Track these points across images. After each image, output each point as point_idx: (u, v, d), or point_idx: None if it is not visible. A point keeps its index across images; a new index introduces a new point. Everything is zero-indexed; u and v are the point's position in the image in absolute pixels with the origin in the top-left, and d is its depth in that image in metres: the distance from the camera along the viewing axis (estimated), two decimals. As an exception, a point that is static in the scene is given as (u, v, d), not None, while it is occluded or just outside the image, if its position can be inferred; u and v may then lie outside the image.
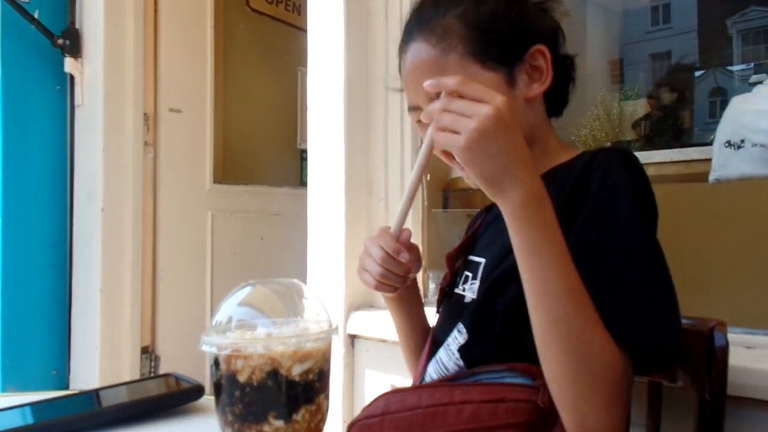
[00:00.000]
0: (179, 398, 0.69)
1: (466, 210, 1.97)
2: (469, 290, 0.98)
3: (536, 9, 0.97)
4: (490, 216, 1.05)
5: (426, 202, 1.72)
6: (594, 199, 0.83)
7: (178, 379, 0.75)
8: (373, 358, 1.66)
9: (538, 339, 0.76)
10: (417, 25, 0.96)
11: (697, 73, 3.70)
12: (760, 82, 1.31)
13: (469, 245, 1.06)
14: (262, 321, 0.59)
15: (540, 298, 0.75)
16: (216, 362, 0.58)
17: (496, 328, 0.85)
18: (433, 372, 0.94)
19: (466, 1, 0.93)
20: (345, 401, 1.64)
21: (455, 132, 0.74)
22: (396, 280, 0.95)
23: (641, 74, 3.97)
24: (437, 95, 0.84)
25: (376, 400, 0.90)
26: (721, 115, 1.29)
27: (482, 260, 0.97)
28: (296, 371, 0.56)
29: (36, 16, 2.47)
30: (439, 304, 1.11)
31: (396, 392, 0.90)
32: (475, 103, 0.74)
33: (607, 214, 0.81)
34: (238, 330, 0.58)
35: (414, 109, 0.97)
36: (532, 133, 0.94)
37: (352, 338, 1.68)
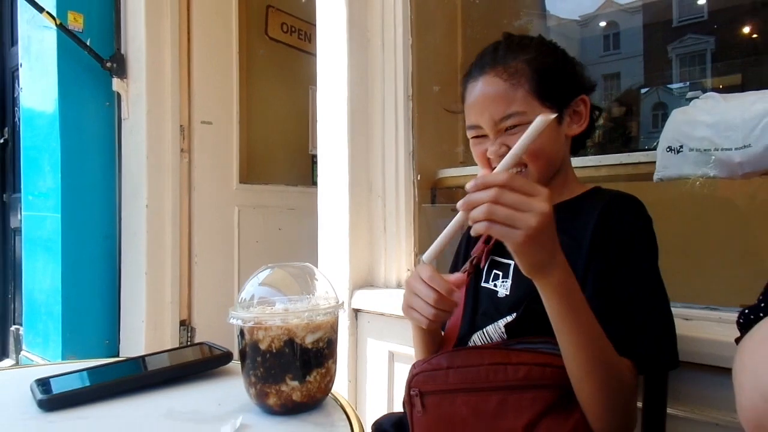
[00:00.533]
0: (211, 363, 0.69)
1: (451, 204, 1.97)
2: (502, 287, 0.98)
3: (581, 66, 1.03)
4: None
5: (417, 199, 1.72)
6: (617, 244, 0.87)
7: (210, 347, 0.75)
8: (373, 329, 1.66)
9: (574, 378, 0.78)
10: (491, 63, 0.97)
11: (643, 91, 3.70)
12: (696, 98, 1.31)
13: (495, 247, 1.03)
14: (280, 298, 0.58)
15: (576, 351, 0.77)
16: (241, 333, 0.57)
17: (538, 319, 0.83)
18: (477, 340, 0.95)
19: (534, 51, 0.97)
20: (350, 365, 1.64)
21: (512, 226, 0.69)
22: (445, 316, 0.88)
23: (596, 92, 3.97)
24: (497, 124, 0.93)
25: (436, 356, 0.89)
26: (662, 126, 1.29)
27: (511, 262, 0.98)
28: (309, 340, 0.56)
29: (88, 43, 2.46)
30: (465, 295, 1.05)
31: (458, 350, 0.91)
32: (527, 198, 0.70)
33: (629, 257, 0.87)
34: (259, 306, 0.58)
35: (474, 127, 0.97)
36: (561, 165, 1.00)
37: (356, 312, 1.68)
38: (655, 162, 1.27)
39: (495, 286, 1.00)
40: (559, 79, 0.97)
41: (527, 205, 0.69)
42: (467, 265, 1.07)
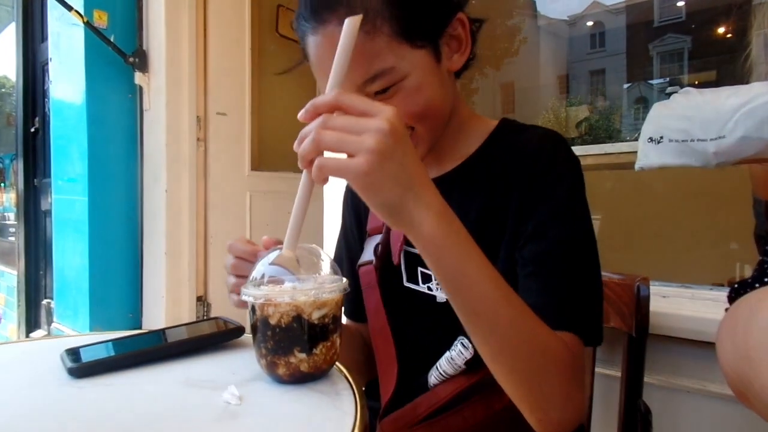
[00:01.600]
0: (225, 336, 0.69)
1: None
2: (440, 290, 0.74)
3: None
4: None
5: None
6: (548, 200, 0.67)
7: (224, 321, 0.75)
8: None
9: (487, 355, 0.59)
10: (327, 7, 0.64)
11: (625, 86, 3.67)
12: (675, 92, 1.30)
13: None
14: (289, 277, 0.58)
15: (480, 317, 0.56)
16: (253, 309, 0.57)
17: None
18: (436, 381, 0.74)
19: None
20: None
21: (347, 154, 0.51)
22: None
23: (583, 86, 3.95)
24: (362, 89, 0.65)
25: None
26: (644, 119, 1.28)
27: None
28: (315, 316, 0.56)
29: (112, 39, 2.44)
30: (371, 295, 0.80)
31: (432, 423, 0.71)
32: (361, 117, 0.51)
33: (559, 211, 0.67)
34: (269, 284, 0.58)
35: None
36: (453, 105, 0.75)
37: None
38: (636, 152, 1.26)
39: (429, 289, 0.76)
40: (424, 3, 0.67)
41: (361, 125, 0.50)
42: (368, 255, 0.81)
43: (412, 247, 0.73)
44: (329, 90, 0.55)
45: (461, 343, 0.70)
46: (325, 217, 1.75)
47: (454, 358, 0.71)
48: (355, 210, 0.92)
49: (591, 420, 0.97)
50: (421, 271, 0.77)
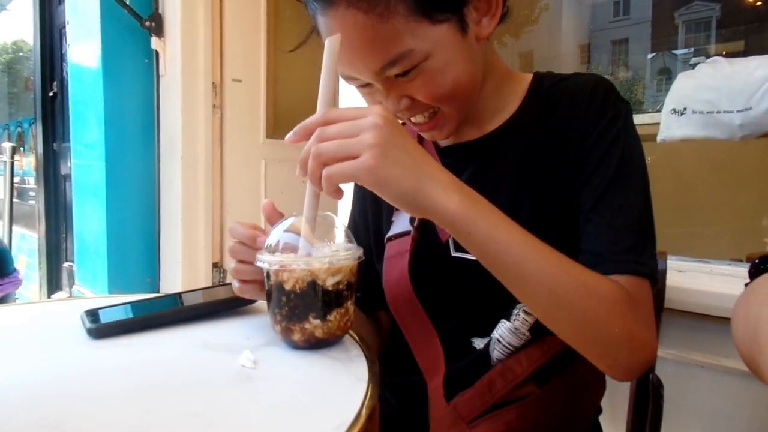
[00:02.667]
0: (240, 301, 0.69)
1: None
2: None
3: None
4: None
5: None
6: (599, 138, 0.65)
7: (239, 286, 0.75)
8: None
9: (540, 314, 0.59)
10: None
11: (649, 56, 3.58)
12: (699, 63, 1.26)
13: None
14: (303, 244, 0.58)
15: (523, 280, 0.56)
16: (268, 275, 0.57)
17: None
18: (500, 355, 0.70)
19: None
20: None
21: (349, 157, 0.51)
22: (255, 273, 0.62)
23: (604, 56, 3.85)
24: (380, 74, 0.62)
25: (492, 418, 0.67)
26: (666, 90, 1.25)
27: None
28: (330, 282, 0.56)
29: (128, 2, 2.42)
30: (395, 265, 0.76)
31: (519, 407, 0.68)
32: (353, 121, 0.52)
33: (613, 157, 0.64)
34: (284, 251, 0.58)
35: (352, 78, 0.68)
36: (485, 71, 0.71)
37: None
38: (659, 124, 1.23)
39: None
40: None
41: (355, 126, 0.51)
42: (400, 227, 0.77)
43: None
44: (319, 110, 0.55)
45: (523, 310, 0.68)
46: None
47: (518, 327, 0.68)
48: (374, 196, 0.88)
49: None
50: None
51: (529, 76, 0.75)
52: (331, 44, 0.55)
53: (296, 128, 0.54)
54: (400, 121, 0.63)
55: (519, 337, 0.69)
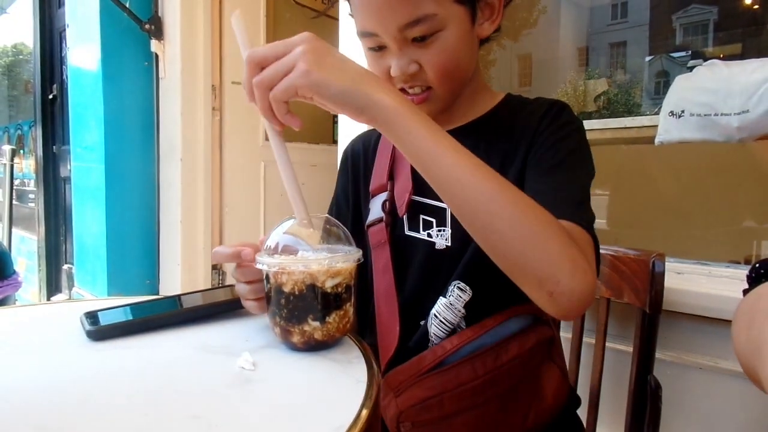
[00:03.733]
0: (240, 303, 0.69)
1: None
2: (440, 237, 0.75)
3: None
4: None
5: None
6: (551, 134, 0.70)
7: (239, 288, 0.75)
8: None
9: (480, 231, 0.57)
10: None
11: (647, 59, 3.58)
12: (697, 66, 1.26)
13: (416, 187, 0.77)
14: (303, 246, 0.58)
15: (462, 188, 0.55)
16: (267, 277, 0.57)
17: (498, 279, 0.60)
18: (437, 331, 0.74)
19: None
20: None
21: (287, 71, 0.53)
22: (253, 290, 0.63)
23: (602, 59, 3.86)
24: (402, 32, 0.66)
25: (416, 385, 0.70)
26: (664, 93, 1.25)
27: (444, 205, 0.74)
28: (329, 284, 0.56)
29: (127, 5, 2.42)
30: (381, 254, 0.79)
31: (445, 371, 0.70)
32: (278, 42, 0.55)
33: (562, 146, 0.69)
34: (283, 253, 0.58)
35: (369, 35, 0.70)
36: (473, 72, 0.76)
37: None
38: (656, 126, 1.23)
39: (429, 236, 0.76)
40: None
41: (286, 46, 0.54)
42: (375, 213, 0.81)
43: (420, 196, 0.76)
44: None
45: (458, 286, 0.72)
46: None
47: (453, 303, 0.72)
48: (354, 173, 0.91)
49: (600, 395, 0.97)
50: (423, 219, 0.77)
51: (502, 94, 0.82)
52: (235, 22, 0.62)
53: (246, 89, 0.57)
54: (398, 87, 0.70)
55: (454, 313, 0.73)
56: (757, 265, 0.59)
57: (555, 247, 0.55)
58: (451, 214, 0.73)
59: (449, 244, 0.75)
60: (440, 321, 0.73)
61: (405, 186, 0.78)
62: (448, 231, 0.74)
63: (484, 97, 0.81)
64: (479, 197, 0.55)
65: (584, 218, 0.64)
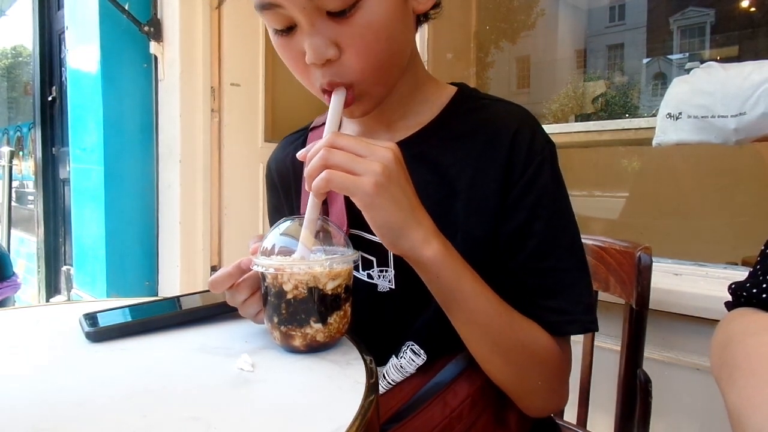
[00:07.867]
0: (239, 304, 0.69)
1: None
2: (383, 279, 0.68)
3: None
4: None
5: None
6: (531, 188, 0.63)
7: (238, 290, 0.75)
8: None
9: (480, 359, 0.61)
10: None
11: (644, 61, 3.59)
12: (694, 68, 1.27)
13: (353, 221, 0.68)
14: (300, 248, 0.58)
15: (474, 328, 0.59)
16: (264, 279, 0.57)
17: (457, 346, 0.62)
18: (383, 390, 0.67)
19: None
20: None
21: (354, 173, 0.51)
22: (250, 304, 0.61)
23: (600, 61, 3.86)
24: (315, 9, 0.55)
25: None
26: (662, 95, 1.25)
27: None
28: (329, 286, 0.56)
29: (126, 7, 2.42)
30: None
31: (400, 427, 0.63)
32: (367, 142, 0.53)
33: (544, 204, 0.63)
34: (280, 254, 0.57)
35: (272, 6, 0.57)
36: (410, 54, 0.66)
37: (370, 262, 1.68)
38: (654, 128, 1.24)
39: (370, 276, 0.69)
40: None
41: (368, 149, 0.52)
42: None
43: (358, 229, 0.68)
44: (326, 135, 0.57)
45: (411, 349, 0.66)
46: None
47: (403, 365, 0.66)
48: (284, 190, 0.81)
49: (590, 392, 0.97)
50: (362, 257, 0.68)
51: (453, 89, 0.71)
52: (337, 99, 0.60)
53: (308, 147, 0.56)
54: (318, 86, 0.62)
55: (402, 374, 0.67)
56: (734, 286, 0.59)
57: (539, 382, 0.62)
58: (395, 255, 0.64)
59: (393, 287, 0.67)
60: (387, 382, 0.67)
61: (340, 219, 0.69)
62: (391, 272, 0.67)
63: (430, 94, 0.70)
64: (486, 339, 0.60)
65: (572, 324, 0.63)
